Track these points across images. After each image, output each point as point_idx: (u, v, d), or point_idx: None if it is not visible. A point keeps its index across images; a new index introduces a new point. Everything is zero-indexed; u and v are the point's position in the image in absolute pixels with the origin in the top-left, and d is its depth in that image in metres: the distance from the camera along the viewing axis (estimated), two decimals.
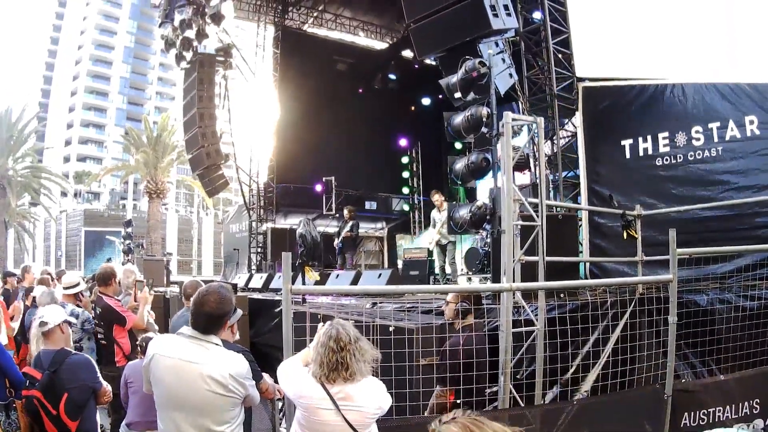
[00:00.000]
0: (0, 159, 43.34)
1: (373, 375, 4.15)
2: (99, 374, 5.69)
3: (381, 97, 25.32)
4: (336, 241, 17.62)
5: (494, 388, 6.16)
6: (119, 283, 8.53)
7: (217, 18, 18.26)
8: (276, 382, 4.65)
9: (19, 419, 5.77)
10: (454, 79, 10.03)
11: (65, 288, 8.13)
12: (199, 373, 3.78)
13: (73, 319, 6.28)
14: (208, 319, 3.95)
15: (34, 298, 9.69)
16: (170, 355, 3.89)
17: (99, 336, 7.76)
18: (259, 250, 22.71)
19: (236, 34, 25.85)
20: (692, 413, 6.17)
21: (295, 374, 4.20)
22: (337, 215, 21.17)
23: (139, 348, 6.57)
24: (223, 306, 4.02)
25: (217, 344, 3.95)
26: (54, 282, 11.27)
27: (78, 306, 7.94)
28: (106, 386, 5.76)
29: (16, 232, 48.45)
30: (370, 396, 4.02)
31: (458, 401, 5.76)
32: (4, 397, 6.21)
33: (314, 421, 3.98)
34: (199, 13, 18.29)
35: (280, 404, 6.57)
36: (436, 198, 14.99)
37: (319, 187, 22.66)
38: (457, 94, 10.04)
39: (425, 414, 5.82)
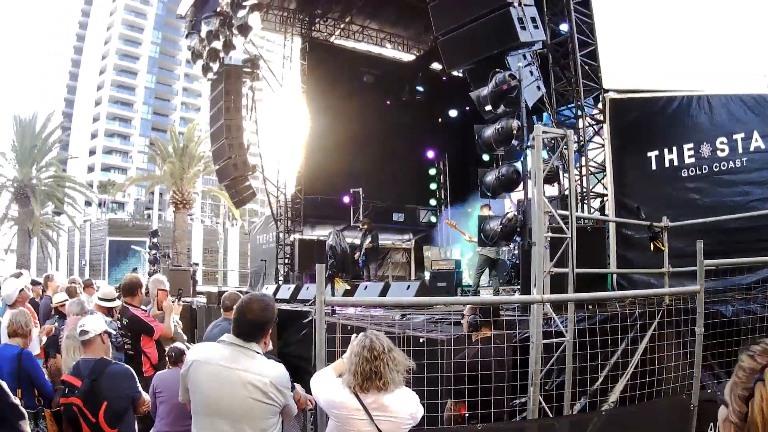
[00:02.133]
0: (24, 168, 43.54)
1: (405, 385, 4.18)
2: (138, 384, 5.74)
3: (408, 108, 25.26)
4: (358, 254, 17.58)
5: (523, 399, 6.19)
6: (147, 292, 8.58)
7: (244, 29, 18.36)
8: (307, 392, 4.69)
9: (48, 429, 5.85)
10: (484, 91, 10.03)
11: (103, 299, 8.06)
12: (239, 378, 3.81)
13: (112, 330, 6.32)
14: (251, 327, 3.98)
15: (56, 308, 9.78)
16: (211, 362, 3.92)
17: (126, 347, 7.65)
18: (286, 261, 22.63)
19: (263, 45, 25.92)
20: (718, 424, 6.14)
21: (329, 384, 4.23)
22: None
23: (168, 358, 6.62)
24: (266, 313, 4.07)
25: (258, 352, 3.97)
26: (80, 291, 11.32)
27: (109, 317, 7.97)
28: (146, 396, 5.82)
29: (39, 240, 48.61)
30: (404, 406, 4.03)
31: (465, 414, 5.78)
32: (33, 406, 6.30)
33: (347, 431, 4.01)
34: (226, 24, 18.41)
35: (311, 414, 6.61)
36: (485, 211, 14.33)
37: (346, 199, 22.52)
38: (488, 107, 10.02)
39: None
